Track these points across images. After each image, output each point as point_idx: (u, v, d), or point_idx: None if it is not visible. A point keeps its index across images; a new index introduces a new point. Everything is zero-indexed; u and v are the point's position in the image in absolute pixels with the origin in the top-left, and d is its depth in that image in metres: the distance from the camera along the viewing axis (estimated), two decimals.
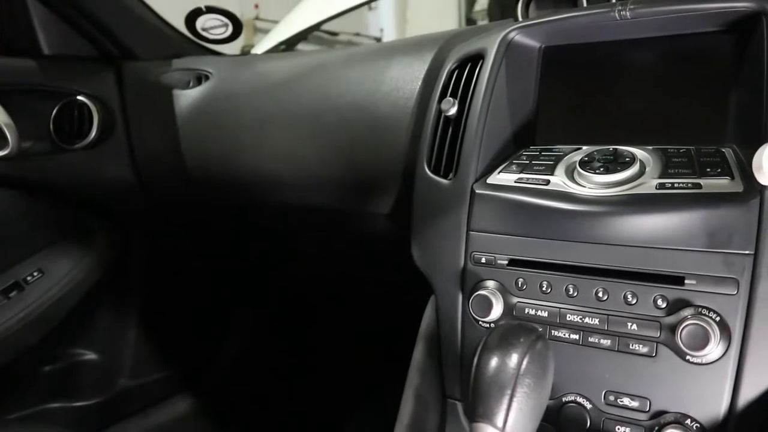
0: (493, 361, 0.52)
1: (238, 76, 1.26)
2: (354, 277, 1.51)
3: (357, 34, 5.65)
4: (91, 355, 1.52)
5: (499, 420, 0.50)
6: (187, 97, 1.26)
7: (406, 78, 0.98)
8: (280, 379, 1.86)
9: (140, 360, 1.58)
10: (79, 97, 1.26)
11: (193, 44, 1.46)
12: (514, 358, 0.51)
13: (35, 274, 1.30)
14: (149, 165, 1.31)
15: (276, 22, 2.49)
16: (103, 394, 1.51)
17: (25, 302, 1.27)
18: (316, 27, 1.93)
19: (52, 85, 1.25)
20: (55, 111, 1.24)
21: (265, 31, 4.02)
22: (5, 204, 1.24)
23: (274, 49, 1.80)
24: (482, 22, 5.03)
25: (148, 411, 1.59)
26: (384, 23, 5.78)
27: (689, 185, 0.66)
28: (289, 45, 1.86)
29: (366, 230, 1.07)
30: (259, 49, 1.82)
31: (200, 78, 1.30)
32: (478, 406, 0.51)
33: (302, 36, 1.91)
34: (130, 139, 1.31)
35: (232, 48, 1.53)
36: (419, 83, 0.96)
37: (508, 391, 0.50)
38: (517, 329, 0.54)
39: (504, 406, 0.50)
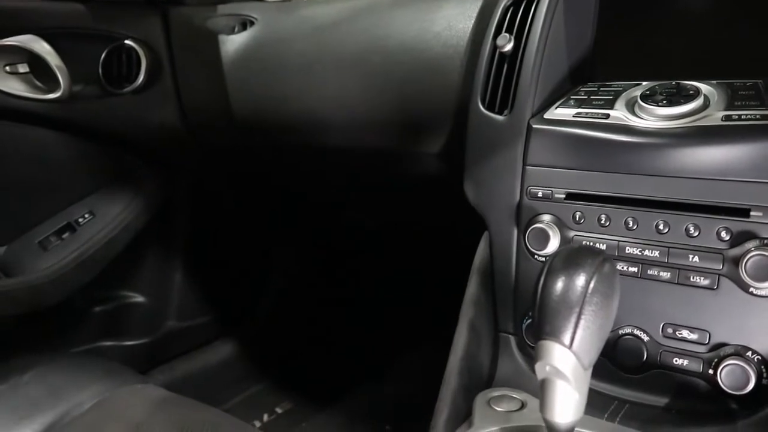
0: (561, 281, 0.52)
1: (284, 21, 1.25)
2: (401, 219, 1.51)
3: None
4: (138, 298, 1.56)
5: (567, 338, 0.50)
6: (233, 43, 1.26)
7: (459, 16, 0.96)
8: (326, 322, 1.89)
9: (186, 303, 1.61)
10: (128, 42, 1.26)
11: None
12: (582, 278, 0.51)
13: (86, 215, 1.33)
14: (196, 109, 1.32)
15: None
16: (151, 335, 1.56)
17: (78, 243, 1.31)
18: None
19: (101, 29, 1.25)
20: (103, 55, 1.25)
21: None
22: (57, 146, 1.26)
23: None
24: None
25: (194, 353, 1.63)
26: None
27: (757, 117, 0.65)
28: None
29: (415, 171, 1.06)
30: None
31: (245, 23, 1.29)
32: (545, 325, 0.52)
33: None
34: (177, 83, 1.32)
35: None
36: (472, 21, 0.94)
37: (576, 310, 0.50)
38: (583, 251, 0.54)
39: (572, 324, 0.50)
